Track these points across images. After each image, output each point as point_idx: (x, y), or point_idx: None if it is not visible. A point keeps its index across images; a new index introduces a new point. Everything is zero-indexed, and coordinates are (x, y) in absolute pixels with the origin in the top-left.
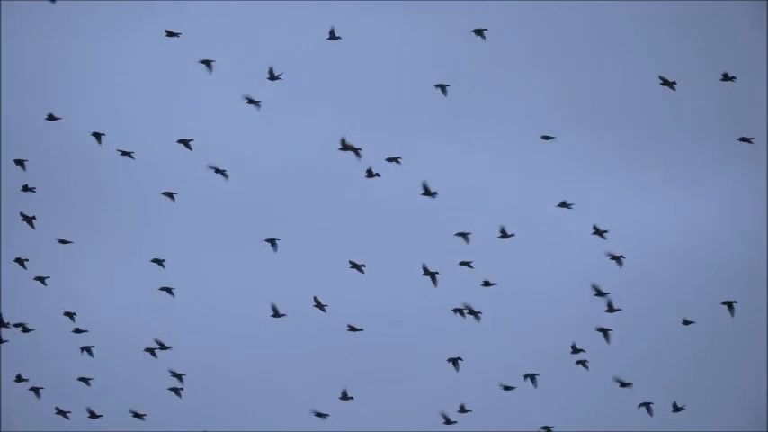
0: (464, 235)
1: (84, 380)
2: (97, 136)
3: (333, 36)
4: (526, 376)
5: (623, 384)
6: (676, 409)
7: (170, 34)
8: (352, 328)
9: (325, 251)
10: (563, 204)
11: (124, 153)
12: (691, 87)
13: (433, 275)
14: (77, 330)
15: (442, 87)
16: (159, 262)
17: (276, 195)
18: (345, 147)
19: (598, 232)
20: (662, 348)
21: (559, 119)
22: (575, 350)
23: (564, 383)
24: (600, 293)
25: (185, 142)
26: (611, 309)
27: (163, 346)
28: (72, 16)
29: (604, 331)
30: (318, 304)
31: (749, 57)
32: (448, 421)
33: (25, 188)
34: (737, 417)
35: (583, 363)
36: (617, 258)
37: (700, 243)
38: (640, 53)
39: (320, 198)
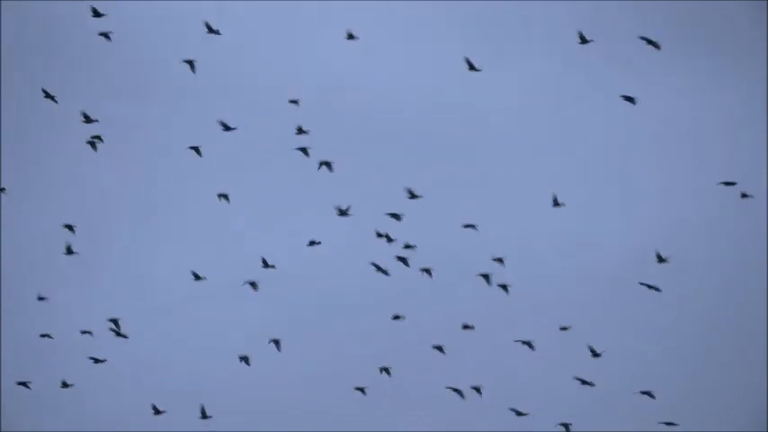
0: (386, 236)
1: None
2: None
3: None
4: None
5: (595, 354)
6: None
7: (103, 35)
8: (252, 284)
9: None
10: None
11: (93, 139)
12: (689, 88)
13: (387, 238)
14: None
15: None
16: (70, 227)
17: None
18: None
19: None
20: (661, 348)
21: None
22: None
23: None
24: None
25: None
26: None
27: (117, 332)
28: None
29: (504, 287)
30: (266, 264)
31: (749, 57)
32: (413, 195)
33: None
34: (737, 417)
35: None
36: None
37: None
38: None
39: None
